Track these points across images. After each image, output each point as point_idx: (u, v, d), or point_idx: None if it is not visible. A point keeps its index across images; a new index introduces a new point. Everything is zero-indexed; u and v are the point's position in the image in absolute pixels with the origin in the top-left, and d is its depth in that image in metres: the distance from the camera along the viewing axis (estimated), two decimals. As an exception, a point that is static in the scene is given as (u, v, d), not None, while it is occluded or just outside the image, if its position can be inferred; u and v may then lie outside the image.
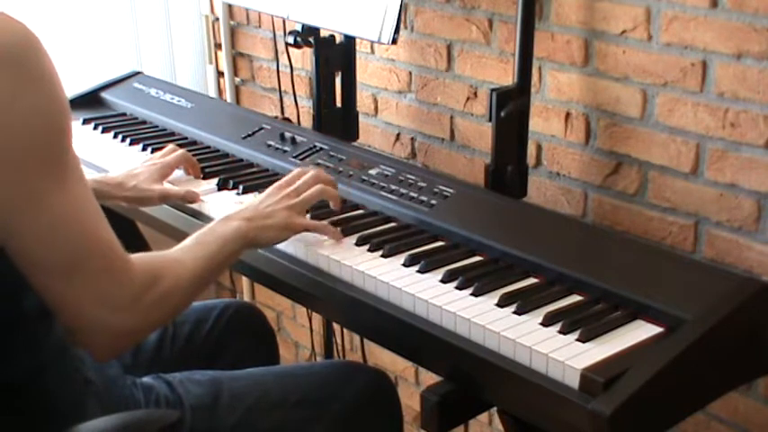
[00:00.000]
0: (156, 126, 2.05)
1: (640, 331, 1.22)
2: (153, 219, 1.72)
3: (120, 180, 1.63)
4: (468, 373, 1.24)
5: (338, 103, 2.10)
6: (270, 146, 1.84)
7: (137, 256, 1.15)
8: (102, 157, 1.87)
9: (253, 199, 1.47)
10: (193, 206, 1.66)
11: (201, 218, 1.63)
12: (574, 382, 1.12)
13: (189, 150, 1.79)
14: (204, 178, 1.75)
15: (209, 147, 1.92)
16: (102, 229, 1.09)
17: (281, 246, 1.49)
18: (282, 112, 2.41)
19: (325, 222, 1.48)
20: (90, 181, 1.19)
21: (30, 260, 1.05)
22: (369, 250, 1.45)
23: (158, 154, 1.74)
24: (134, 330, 1.13)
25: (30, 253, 1.05)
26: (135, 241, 2.04)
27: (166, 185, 1.66)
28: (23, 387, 1.18)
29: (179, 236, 1.67)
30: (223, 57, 2.61)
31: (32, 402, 1.19)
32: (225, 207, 1.62)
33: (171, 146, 1.77)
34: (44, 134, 1.02)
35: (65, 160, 1.05)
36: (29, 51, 1.01)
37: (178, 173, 1.76)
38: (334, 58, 2.05)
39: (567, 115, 1.82)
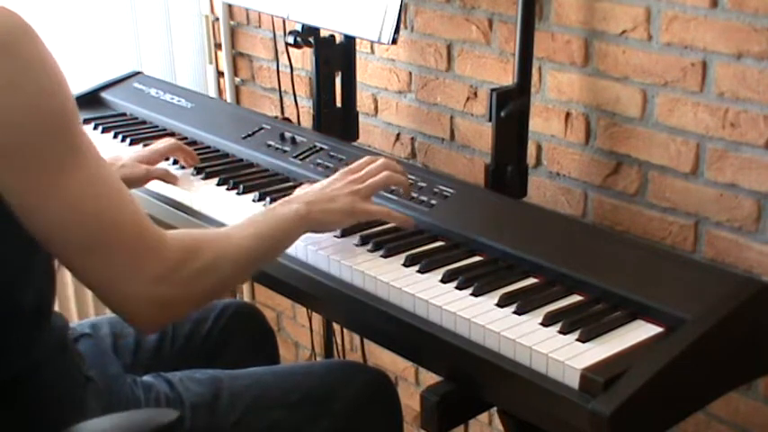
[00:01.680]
0: (156, 126, 2.05)
1: (640, 331, 1.22)
2: (153, 219, 1.71)
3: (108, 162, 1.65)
4: (468, 373, 1.24)
5: (338, 103, 2.10)
6: (270, 146, 1.84)
7: (173, 232, 1.16)
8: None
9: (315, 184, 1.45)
10: (193, 206, 1.66)
11: (201, 217, 1.63)
12: (574, 382, 1.12)
13: (189, 150, 1.79)
14: (204, 178, 1.75)
15: (209, 147, 1.92)
16: (128, 205, 1.10)
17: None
18: (282, 112, 2.41)
19: (390, 209, 1.45)
20: None
21: (59, 243, 1.07)
22: (369, 250, 1.45)
23: (152, 145, 1.75)
24: (176, 301, 1.13)
25: (56, 235, 1.06)
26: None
27: (157, 186, 1.67)
28: (21, 384, 1.18)
29: (179, 236, 1.68)
30: (223, 57, 2.61)
31: (32, 400, 1.19)
32: (223, 205, 1.63)
33: (167, 138, 1.78)
34: (50, 118, 1.03)
35: (76, 141, 1.06)
36: (23, 39, 1.01)
37: (175, 172, 1.77)
38: (334, 58, 2.05)
39: (567, 115, 1.82)
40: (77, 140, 1.07)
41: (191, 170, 1.78)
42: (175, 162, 1.79)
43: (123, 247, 1.08)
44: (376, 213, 1.43)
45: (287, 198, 1.37)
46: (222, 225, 1.58)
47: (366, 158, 1.49)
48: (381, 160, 1.47)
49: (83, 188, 1.05)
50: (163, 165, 1.74)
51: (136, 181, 1.65)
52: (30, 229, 1.05)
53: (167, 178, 1.68)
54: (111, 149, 1.92)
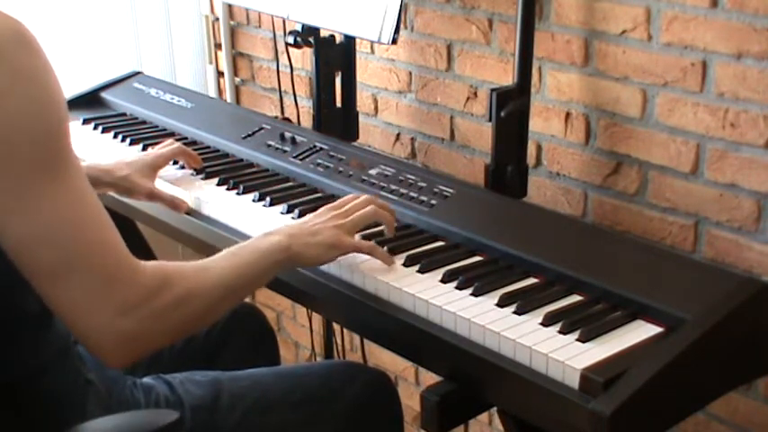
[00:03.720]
0: (156, 126, 2.05)
1: (640, 331, 1.22)
2: (153, 219, 1.72)
3: (111, 167, 1.63)
4: (468, 373, 1.24)
5: (338, 103, 2.10)
6: (270, 146, 1.84)
7: (150, 263, 1.12)
8: (102, 157, 1.87)
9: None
10: (193, 206, 1.66)
11: (201, 217, 1.63)
12: (574, 382, 1.12)
13: (189, 150, 1.79)
14: (204, 178, 1.75)
15: (209, 147, 1.92)
16: (106, 231, 1.07)
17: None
18: (282, 112, 2.41)
19: (375, 244, 1.42)
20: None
21: (30, 263, 1.04)
22: (369, 250, 1.45)
23: (156, 147, 1.75)
24: (144, 335, 1.09)
25: (30, 255, 1.03)
26: (135, 241, 2.04)
27: (157, 185, 1.66)
28: (25, 387, 1.18)
29: (179, 236, 1.68)
30: (223, 57, 2.61)
31: (33, 402, 1.19)
32: (223, 205, 1.63)
33: (170, 140, 1.78)
34: (38, 133, 1.01)
35: (62, 160, 1.04)
36: (20, 48, 1.00)
37: (176, 172, 1.77)
38: (334, 58, 2.05)
39: (567, 115, 1.82)
40: (63, 157, 1.03)
41: (190, 170, 1.78)
42: (175, 162, 1.79)
43: (96, 274, 1.04)
44: (361, 248, 1.39)
45: (269, 231, 1.32)
46: (222, 225, 1.59)
47: (350, 195, 1.46)
48: (365, 196, 1.45)
49: (62, 208, 1.02)
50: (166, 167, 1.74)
51: (137, 195, 1.64)
52: (3, 243, 1.02)
53: (172, 205, 1.64)
54: (111, 149, 1.92)
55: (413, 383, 2.39)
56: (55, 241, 1.03)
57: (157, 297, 1.09)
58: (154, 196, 1.64)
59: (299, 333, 2.73)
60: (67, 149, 1.05)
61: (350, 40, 2.05)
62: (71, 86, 2.18)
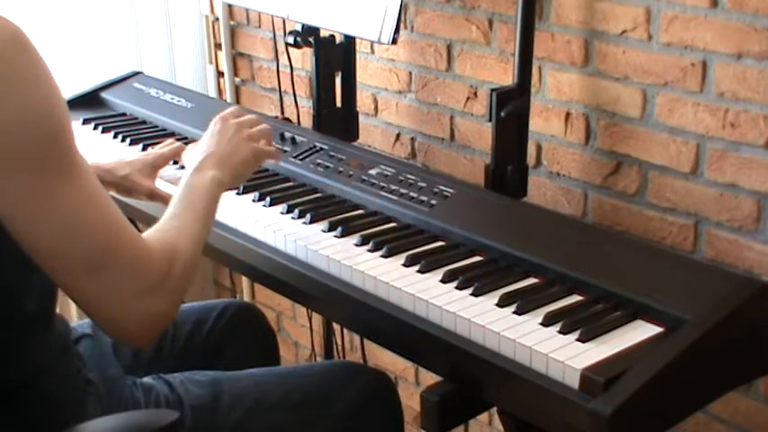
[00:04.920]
0: (156, 126, 2.05)
1: (640, 331, 1.22)
2: (153, 219, 1.71)
3: (112, 166, 1.63)
4: (469, 373, 1.24)
5: (338, 103, 2.10)
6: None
7: (149, 237, 1.16)
8: (102, 157, 1.87)
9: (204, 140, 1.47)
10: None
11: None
12: (574, 382, 1.12)
13: (189, 150, 1.79)
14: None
15: (209, 147, 1.91)
16: (119, 221, 1.09)
17: (281, 246, 1.49)
18: (282, 112, 2.41)
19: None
20: None
21: (53, 263, 1.05)
22: (369, 250, 1.45)
23: (156, 147, 1.75)
24: (168, 309, 1.15)
25: (51, 255, 1.05)
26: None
27: (157, 185, 1.66)
28: (24, 387, 1.18)
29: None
30: (223, 57, 2.61)
31: (33, 403, 1.19)
32: (223, 205, 1.62)
33: (170, 139, 1.78)
34: (41, 133, 1.01)
35: (68, 158, 1.05)
36: (16, 49, 1.00)
37: (176, 172, 1.77)
38: (335, 58, 2.05)
39: (567, 115, 1.82)
40: (69, 155, 1.05)
41: (191, 170, 1.78)
42: (175, 162, 1.79)
43: (121, 264, 1.08)
44: (271, 152, 1.51)
45: (196, 165, 1.37)
46: (222, 225, 1.59)
47: (229, 110, 1.52)
48: (231, 108, 1.53)
49: (76, 206, 1.04)
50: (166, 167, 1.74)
51: (137, 194, 1.64)
52: (22, 245, 1.04)
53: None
54: (111, 149, 1.92)
55: (413, 383, 2.39)
56: (76, 240, 1.05)
57: (171, 271, 1.14)
58: (154, 196, 1.64)
59: (299, 333, 2.73)
60: (72, 149, 1.06)
61: (350, 40, 2.05)
62: (71, 86, 2.18)
